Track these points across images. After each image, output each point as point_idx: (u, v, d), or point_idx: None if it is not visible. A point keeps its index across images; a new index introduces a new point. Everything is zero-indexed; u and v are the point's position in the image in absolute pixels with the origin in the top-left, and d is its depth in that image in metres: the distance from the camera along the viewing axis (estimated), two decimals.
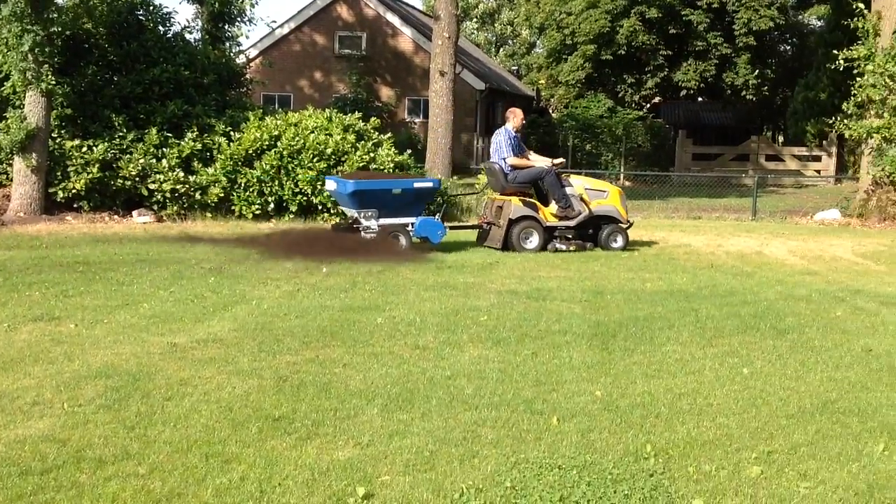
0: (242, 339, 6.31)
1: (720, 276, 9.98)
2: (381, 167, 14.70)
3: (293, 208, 14.56)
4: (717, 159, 32.63)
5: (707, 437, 4.51)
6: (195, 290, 8.18)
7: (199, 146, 14.72)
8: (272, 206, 14.61)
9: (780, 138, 41.87)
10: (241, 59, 19.73)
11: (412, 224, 11.61)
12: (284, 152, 14.52)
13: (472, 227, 12.83)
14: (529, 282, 9.18)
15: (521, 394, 5.17)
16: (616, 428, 4.62)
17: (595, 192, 12.39)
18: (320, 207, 14.58)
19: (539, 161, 12.35)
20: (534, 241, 11.84)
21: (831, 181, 28.32)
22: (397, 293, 8.28)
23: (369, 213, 11.36)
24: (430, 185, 11.99)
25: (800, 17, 42.73)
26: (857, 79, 17.96)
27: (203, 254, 10.59)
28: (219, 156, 14.64)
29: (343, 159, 14.60)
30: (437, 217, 12.30)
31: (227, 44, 19.54)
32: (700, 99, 42.50)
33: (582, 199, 12.15)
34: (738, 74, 35.73)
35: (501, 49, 56.24)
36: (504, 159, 12.00)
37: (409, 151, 15.88)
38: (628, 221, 12.65)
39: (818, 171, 31.10)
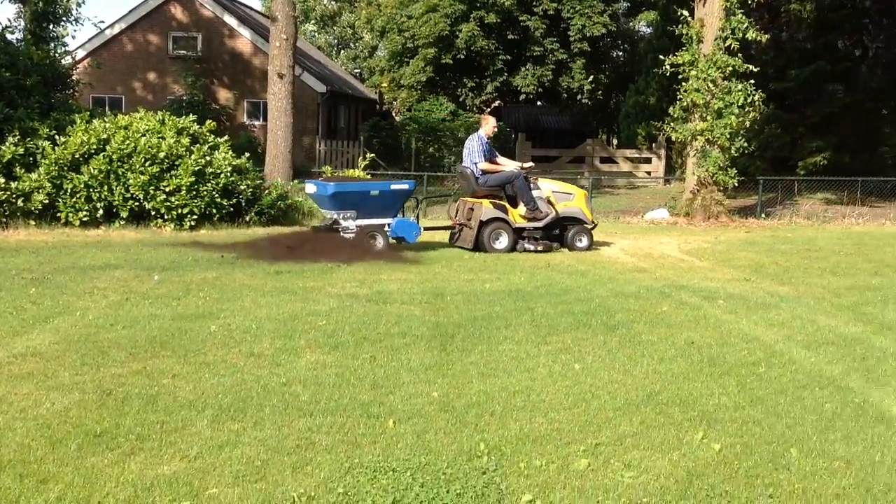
0: (64, 352, 5.99)
1: (556, 275, 10.23)
2: (219, 171, 14.34)
3: (124, 214, 13.99)
4: (556, 161, 33.51)
5: (539, 433, 4.60)
6: (14, 301, 7.73)
7: (21, 151, 13.93)
8: (101, 212, 13.99)
9: (615, 141, 43.47)
10: (67, 61, 18.85)
11: (388, 225, 12.11)
12: (114, 156, 13.92)
13: (446, 227, 13.35)
14: (370, 285, 9.15)
15: (358, 398, 5.13)
16: (451, 428, 4.64)
17: (562, 195, 12.97)
18: (153, 213, 14.07)
19: (509, 165, 12.95)
20: (503, 241, 12.45)
21: (661, 182, 29.61)
22: (233, 300, 8.08)
23: (348, 215, 11.81)
24: (405, 187, 12.46)
25: (630, 23, 44.55)
26: (683, 84, 18.83)
27: (25, 263, 10.03)
28: (43, 161, 13.89)
29: (177, 163, 14.14)
30: (412, 217, 12.89)
31: (52, 44, 18.66)
32: (539, 103, 43.62)
33: (549, 202, 12.74)
34: (574, 79, 36.92)
35: (343, 52, 56.07)
36: (475, 164, 12.57)
37: (247, 155, 15.56)
38: (593, 223, 13.33)
39: (649, 173, 32.46)
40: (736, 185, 19.14)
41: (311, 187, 12.52)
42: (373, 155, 18.88)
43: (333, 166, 24.02)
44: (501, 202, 12.58)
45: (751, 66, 18.31)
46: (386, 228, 12.07)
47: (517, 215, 12.54)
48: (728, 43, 18.20)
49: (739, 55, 18.31)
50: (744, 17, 18.26)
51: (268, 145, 19.29)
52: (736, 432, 4.66)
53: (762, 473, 4.10)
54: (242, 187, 14.86)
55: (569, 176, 28.85)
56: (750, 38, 18.31)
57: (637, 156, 33.24)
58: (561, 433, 4.60)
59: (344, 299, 8.23)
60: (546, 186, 12.95)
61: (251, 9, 37.88)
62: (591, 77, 37.14)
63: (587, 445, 4.41)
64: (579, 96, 37.54)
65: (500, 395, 5.25)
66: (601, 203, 22.19)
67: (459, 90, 37.98)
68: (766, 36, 18.82)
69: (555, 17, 36.46)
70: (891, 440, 4.55)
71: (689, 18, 18.86)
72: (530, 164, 13.68)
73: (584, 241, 12.88)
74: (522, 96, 38.89)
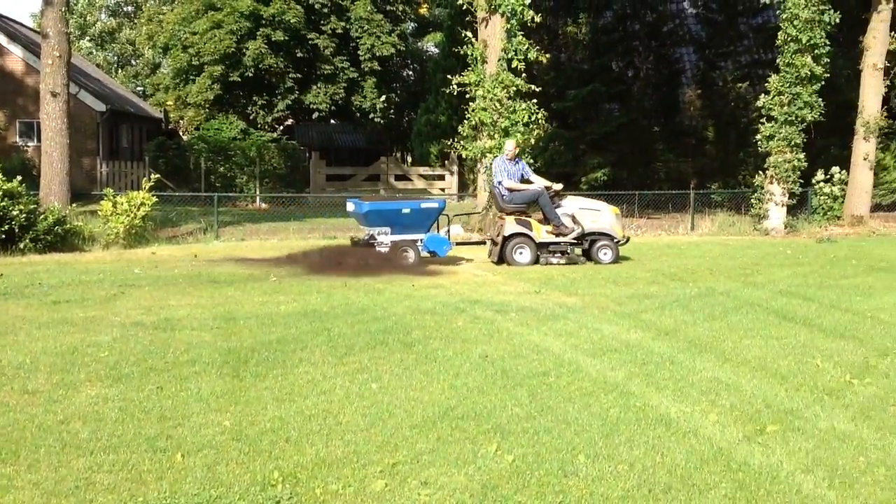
0: None
1: (353, 294, 10.18)
2: None
3: None
4: (351, 179, 33.57)
5: (335, 456, 4.53)
6: None
7: None
8: None
9: (409, 158, 44.09)
10: None
11: (421, 240, 13.16)
12: None
13: (478, 243, 14.73)
14: (157, 312, 8.76)
15: (143, 432, 4.87)
16: (244, 457, 4.49)
17: (589, 212, 13.66)
18: None
19: (537, 183, 13.71)
20: (526, 255, 13.34)
21: (455, 198, 30.26)
22: (5, 333, 7.51)
23: (383, 231, 13.02)
24: (435, 205, 13.48)
25: (419, 44, 45.38)
26: (470, 103, 19.33)
27: None
28: None
29: None
30: (443, 233, 13.79)
31: None
32: (333, 121, 43.58)
33: (574, 218, 13.49)
34: (366, 98, 37.16)
35: (122, 70, 53.83)
36: (500, 183, 13.57)
37: (19, 178, 14.56)
38: (625, 238, 14.02)
39: (443, 190, 33.09)
40: None
41: (350, 206, 13.60)
42: (158, 175, 18.21)
43: (117, 188, 22.93)
44: (526, 218, 13.47)
45: (533, 86, 19.04)
46: (419, 244, 13.15)
47: (542, 231, 13.35)
48: (514, 64, 18.85)
49: (523, 75, 18.99)
50: (524, 39, 18.97)
51: (42, 167, 18.17)
52: (528, 442, 4.78)
53: (553, 481, 4.21)
54: (15, 213, 13.91)
55: (364, 193, 29.02)
56: (531, 59, 19.04)
57: (431, 173, 33.85)
58: (358, 455, 4.55)
59: (128, 328, 7.84)
60: (572, 204, 13.74)
61: (22, 25, 35.62)
62: (383, 96, 37.52)
63: (384, 466, 4.38)
64: (372, 115, 37.81)
65: (295, 420, 5.14)
66: None
67: (250, 108, 37.31)
68: (547, 56, 19.62)
69: (344, 36, 36.57)
70: (670, 441, 4.80)
71: (474, 40, 19.38)
72: (559, 185, 14.09)
73: (609, 255, 13.52)
74: (316, 114, 38.72)
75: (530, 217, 13.59)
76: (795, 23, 20.18)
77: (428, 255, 13.22)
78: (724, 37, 34.46)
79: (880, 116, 22.34)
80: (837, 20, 20.35)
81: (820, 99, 20.66)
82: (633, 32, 33.79)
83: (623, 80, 33.32)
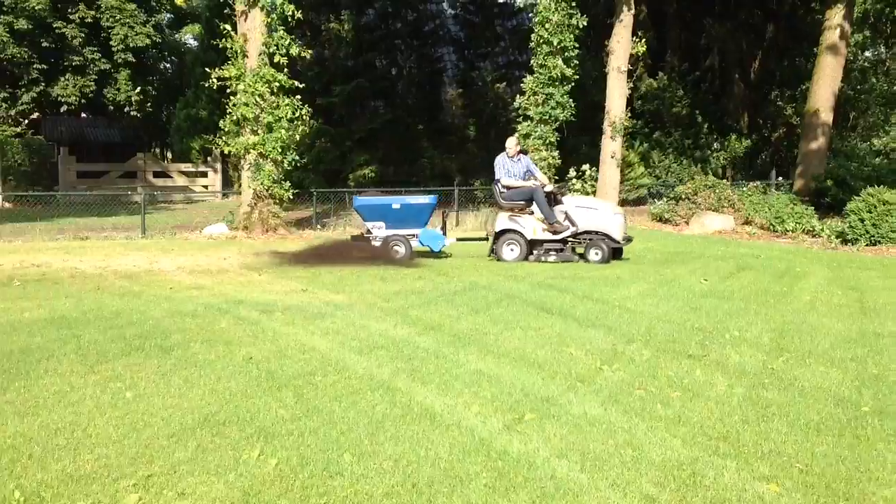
0: None
1: (107, 298, 9.63)
2: None
3: None
4: (105, 177, 31.87)
5: (84, 471, 4.23)
6: None
7: None
8: None
9: (169, 155, 42.44)
10: None
11: (415, 235, 13.73)
12: None
13: (480, 238, 14.85)
14: None
15: None
16: None
17: (586, 210, 13.43)
18: None
19: (540, 179, 13.83)
20: (515, 251, 13.51)
21: (219, 196, 29.45)
22: None
23: (378, 225, 13.67)
24: (426, 201, 13.88)
25: (176, 35, 43.75)
26: (232, 97, 18.85)
27: None
28: None
29: None
30: (438, 229, 14.02)
31: None
32: (84, 115, 41.15)
33: (568, 216, 13.34)
34: (120, 90, 35.42)
35: None
36: (498, 181, 13.72)
37: None
38: (625, 238, 13.60)
39: (206, 187, 32.14)
40: (291, 197, 19.59)
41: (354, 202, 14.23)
42: None
43: None
44: (520, 214, 13.52)
45: (296, 82, 18.85)
46: (413, 238, 13.68)
47: (537, 228, 13.40)
48: (276, 59, 18.56)
49: (286, 70, 18.75)
50: (285, 34, 18.75)
51: None
52: (293, 444, 4.68)
53: (317, 483, 4.15)
54: None
55: (121, 192, 27.60)
56: (294, 54, 18.84)
57: (193, 170, 32.76)
58: (109, 469, 4.27)
59: None
60: (570, 202, 13.62)
61: None
62: (139, 89, 35.88)
63: (138, 479, 4.14)
64: (127, 108, 36.08)
65: (39, 435, 4.77)
66: (157, 219, 21.50)
67: None
68: (310, 52, 19.49)
69: (94, 25, 34.66)
70: (434, 434, 4.86)
71: (233, 33, 18.92)
72: (551, 186, 14.19)
73: (598, 255, 13.27)
74: (65, 108, 36.42)
75: (526, 214, 13.58)
76: (547, 26, 21.21)
77: (440, 250, 13.92)
78: (482, 38, 35.67)
79: (625, 117, 23.91)
80: (585, 24, 21.55)
81: (571, 99, 21.83)
82: (395, 31, 34.27)
83: (387, 78, 33.73)
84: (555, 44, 21.20)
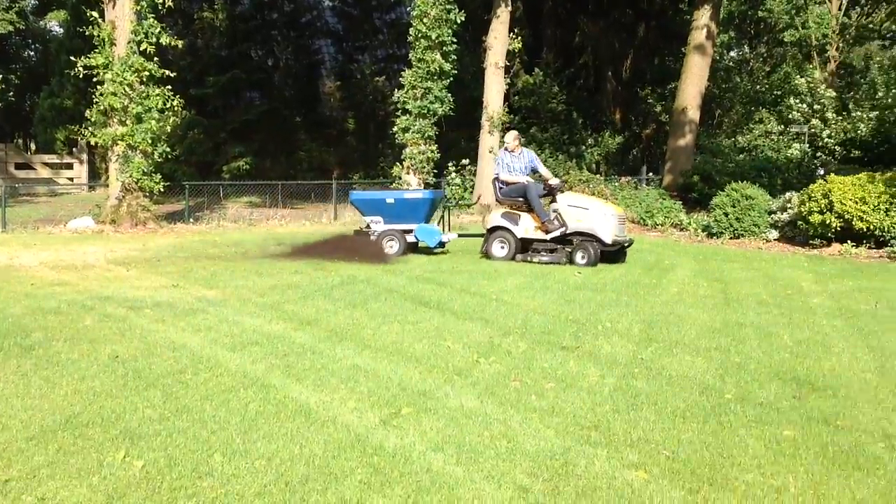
0: None
1: None
2: None
3: None
4: None
5: None
6: None
7: None
8: None
9: (32, 146, 40.63)
10: None
11: (412, 230, 13.48)
12: None
13: (479, 235, 14.16)
14: None
15: None
16: None
17: (575, 210, 12.63)
18: None
19: (545, 175, 13.25)
20: (503, 250, 12.97)
21: (85, 188, 28.35)
22: None
23: (376, 220, 13.56)
24: (419, 195, 13.67)
25: (41, 22, 41.92)
26: (99, 87, 18.17)
27: None
28: None
29: None
30: (435, 224, 13.84)
31: None
32: None
33: (559, 215, 12.67)
34: None
35: None
36: (497, 177, 13.27)
37: None
38: (625, 242, 12.91)
39: (71, 179, 30.89)
40: (162, 190, 19.04)
41: None
42: None
43: None
44: (513, 212, 13.01)
45: (167, 72, 18.33)
46: (409, 233, 13.44)
47: (529, 227, 12.85)
48: (143, 47, 17.98)
49: (156, 59, 18.19)
50: (156, 22, 18.21)
51: None
52: (160, 445, 4.52)
53: (186, 484, 4.02)
54: None
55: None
56: (164, 43, 18.30)
57: (57, 161, 31.43)
58: None
59: None
60: (563, 200, 12.85)
61: None
62: (1, 77, 34.22)
63: None
64: None
65: None
66: (19, 213, 20.55)
67: None
68: (182, 42, 18.98)
69: None
70: (308, 431, 4.78)
71: (100, 20, 18.24)
72: (556, 180, 13.23)
73: (585, 258, 12.42)
74: None
75: (523, 211, 13.01)
76: (425, 20, 21.24)
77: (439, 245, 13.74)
78: (360, 31, 35.51)
79: (503, 112, 24.18)
80: (463, 19, 21.69)
81: (450, 94, 21.94)
82: (271, 21, 33.74)
83: (263, 69, 33.19)
84: (433, 38, 21.26)
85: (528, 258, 12.78)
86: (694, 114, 25.33)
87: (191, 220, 20.19)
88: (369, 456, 4.42)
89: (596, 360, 6.55)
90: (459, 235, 14.57)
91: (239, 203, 24.57)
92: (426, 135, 21.66)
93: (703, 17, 24.62)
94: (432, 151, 21.82)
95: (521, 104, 31.07)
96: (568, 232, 12.63)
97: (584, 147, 31.45)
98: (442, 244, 13.96)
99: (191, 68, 29.60)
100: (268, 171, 29.64)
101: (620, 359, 6.63)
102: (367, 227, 13.82)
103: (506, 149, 13.51)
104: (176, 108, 18.66)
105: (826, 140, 25.70)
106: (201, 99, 29.81)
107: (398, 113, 22.24)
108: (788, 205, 17.76)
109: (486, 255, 13.12)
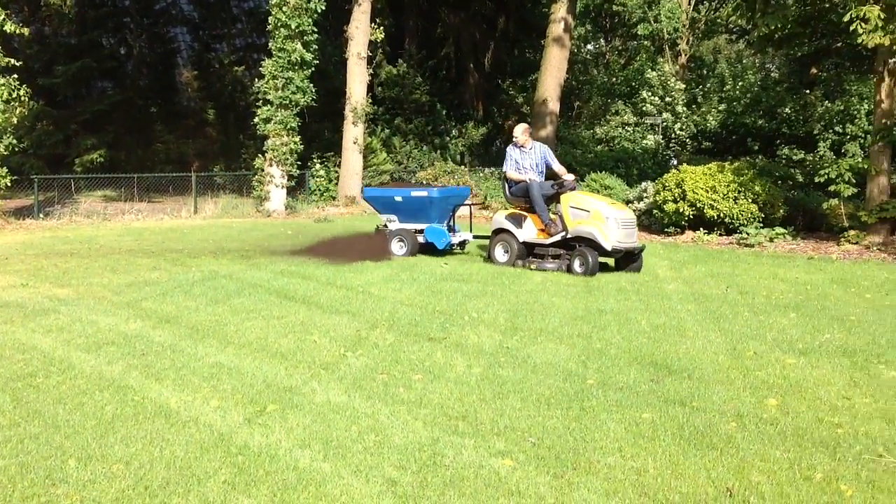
0: None
1: None
2: None
3: None
4: None
5: None
6: None
7: None
8: None
9: None
10: None
11: (422, 231, 12.63)
12: None
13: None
14: None
15: None
16: None
17: (576, 212, 11.27)
18: None
19: (559, 171, 11.98)
20: (505, 255, 11.77)
21: None
22: None
23: (392, 218, 12.85)
24: (424, 194, 12.53)
25: None
26: None
27: None
28: None
29: None
30: (444, 225, 12.66)
31: None
32: None
33: (560, 218, 11.42)
34: None
35: None
36: (504, 173, 12.12)
37: None
38: (636, 249, 11.31)
39: None
40: (9, 185, 18.11)
41: None
42: None
43: None
44: (518, 213, 11.87)
45: (13, 60, 17.45)
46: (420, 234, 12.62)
47: (531, 230, 11.70)
48: None
49: (0, 48, 17.29)
50: (0, 9, 17.27)
51: None
52: (10, 453, 4.29)
53: (39, 492, 3.83)
54: None
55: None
56: (9, 31, 17.40)
57: None
58: None
59: None
60: (566, 201, 11.38)
61: None
62: None
63: None
64: None
65: None
66: None
67: None
68: (27, 29, 18.09)
69: None
70: (169, 433, 4.63)
71: None
72: (570, 176, 11.78)
73: (582, 267, 10.92)
74: None
75: (529, 213, 11.82)
76: (284, 9, 20.92)
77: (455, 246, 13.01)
78: (217, 19, 34.70)
79: (366, 103, 24.09)
80: (323, 8, 21.46)
81: (312, 84, 21.68)
82: (123, 8, 32.57)
83: (116, 58, 32.02)
84: (293, 27, 20.92)
85: (527, 264, 11.53)
86: (554, 105, 25.85)
87: (41, 215, 19.27)
88: (233, 455, 4.31)
89: (463, 351, 6.60)
90: (475, 237, 13.31)
91: (92, 197, 23.60)
92: (288, 126, 21.32)
93: (560, 10, 25.14)
94: (295, 143, 21.50)
95: (386, 95, 31.04)
96: (569, 236, 11.31)
97: (448, 138, 31.71)
98: (453, 245, 13.00)
99: (38, 57, 28.24)
100: (123, 164, 28.61)
101: (487, 348, 6.70)
102: (385, 225, 13.10)
103: (514, 143, 12.17)
104: (23, 99, 17.75)
105: (678, 133, 26.74)
106: (50, 89, 28.48)
107: (259, 103, 21.81)
108: (644, 194, 18.38)
109: (489, 259, 12.10)
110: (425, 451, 4.40)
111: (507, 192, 12.25)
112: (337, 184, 24.20)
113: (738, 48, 38.06)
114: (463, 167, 26.09)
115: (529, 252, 11.75)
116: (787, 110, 25.32)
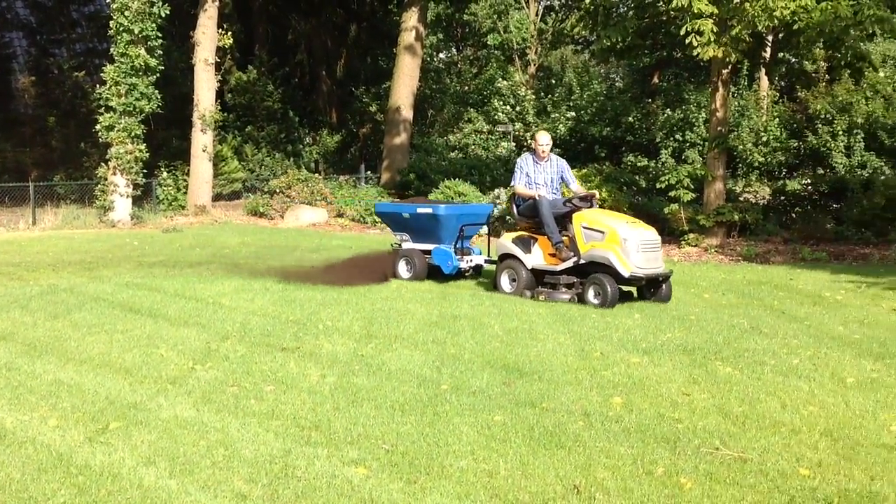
0: None
1: None
2: None
3: None
4: None
5: None
6: None
7: None
8: None
9: None
10: None
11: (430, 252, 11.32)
12: None
13: None
14: None
15: None
16: None
17: (590, 233, 9.66)
18: None
19: (576, 190, 10.50)
20: (510, 284, 10.20)
21: None
22: None
23: (405, 237, 11.61)
24: (430, 210, 11.20)
25: None
26: None
27: None
28: None
29: None
30: (450, 247, 11.20)
31: None
32: None
33: (572, 241, 9.80)
34: None
35: None
36: (512, 188, 10.80)
37: None
38: (637, 275, 9.39)
39: None
40: None
41: None
42: None
43: None
44: (527, 235, 10.27)
45: None
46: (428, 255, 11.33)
47: (540, 255, 10.11)
48: None
49: None
50: None
51: None
52: None
53: None
54: None
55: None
56: None
57: None
58: None
59: None
60: (578, 220, 9.78)
61: None
62: None
63: None
64: None
65: None
66: None
67: None
68: None
69: None
70: (4, 454, 4.39)
71: None
72: (594, 192, 10.49)
73: (597, 297, 9.39)
74: None
75: (539, 234, 10.20)
76: (127, 13, 20.22)
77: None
78: (55, 23, 33.27)
79: (215, 110, 23.56)
80: (168, 13, 20.87)
81: (157, 91, 21.03)
82: None
83: None
84: (136, 32, 20.23)
85: (536, 295, 9.94)
86: (407, 113, 26.00)
87: None
88: (73, 476, 4.11)
89: (317, 360, 6.52)
90: (486, 261, 11.70)
91: None
92: (133, 133, 20.58)
93: (411, 18, 25.32)
94: (140, 151, 20.76)
95: (236, 102, 30.45)
96: (582, 262, 9.71)
97: (301, 146, 31.38)
98: (463, 270, 11.45)
99: None
100: None
101: (341, 357, 6.64)
102: (399, 244, 11.82)
103: (532, 153, 10.68)
104: None
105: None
106: None
107: (101, 110, 20.97)
108: (497, 200, 18.69)
109: (496, 288, 10.43)
110: (277, 463, 4.31)
111: (515, 210, 10.74)
112: (186, 193, 23.54)
113: (584, 58, 39.27)
114: (317, 175, 25.87)
115: (539, 280, 10.15)
116: (630, 119, 26.27)
